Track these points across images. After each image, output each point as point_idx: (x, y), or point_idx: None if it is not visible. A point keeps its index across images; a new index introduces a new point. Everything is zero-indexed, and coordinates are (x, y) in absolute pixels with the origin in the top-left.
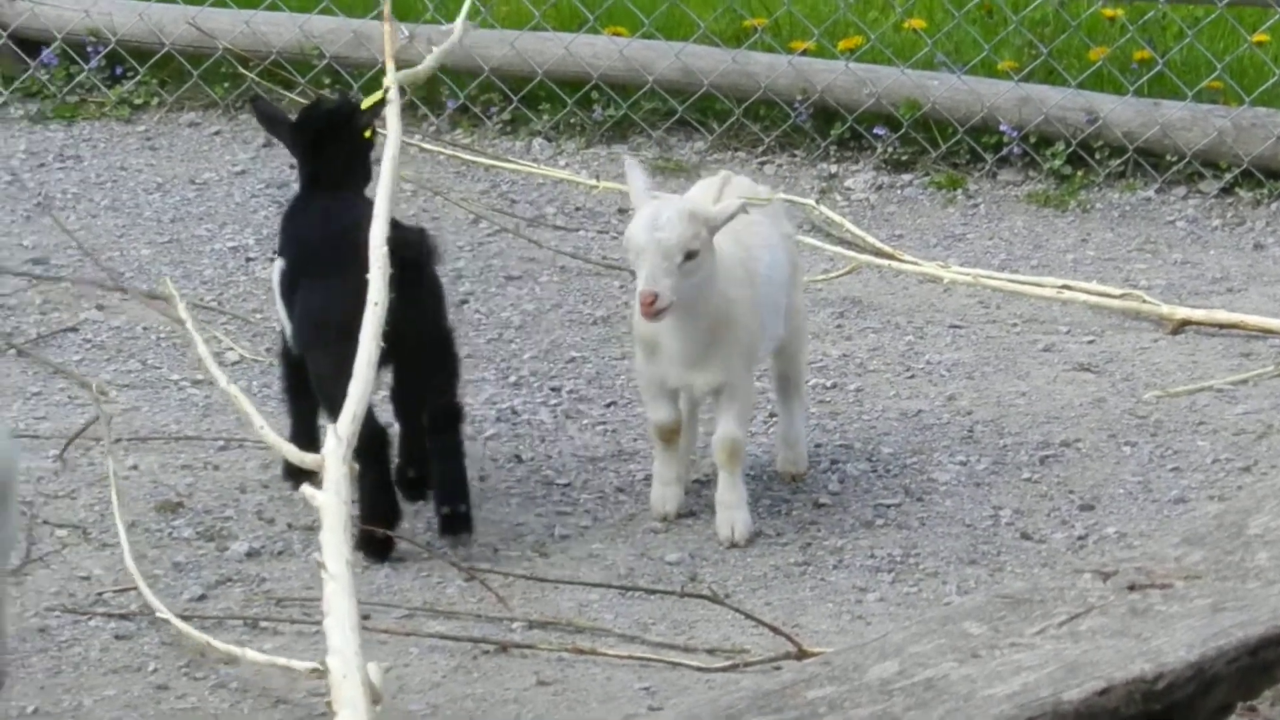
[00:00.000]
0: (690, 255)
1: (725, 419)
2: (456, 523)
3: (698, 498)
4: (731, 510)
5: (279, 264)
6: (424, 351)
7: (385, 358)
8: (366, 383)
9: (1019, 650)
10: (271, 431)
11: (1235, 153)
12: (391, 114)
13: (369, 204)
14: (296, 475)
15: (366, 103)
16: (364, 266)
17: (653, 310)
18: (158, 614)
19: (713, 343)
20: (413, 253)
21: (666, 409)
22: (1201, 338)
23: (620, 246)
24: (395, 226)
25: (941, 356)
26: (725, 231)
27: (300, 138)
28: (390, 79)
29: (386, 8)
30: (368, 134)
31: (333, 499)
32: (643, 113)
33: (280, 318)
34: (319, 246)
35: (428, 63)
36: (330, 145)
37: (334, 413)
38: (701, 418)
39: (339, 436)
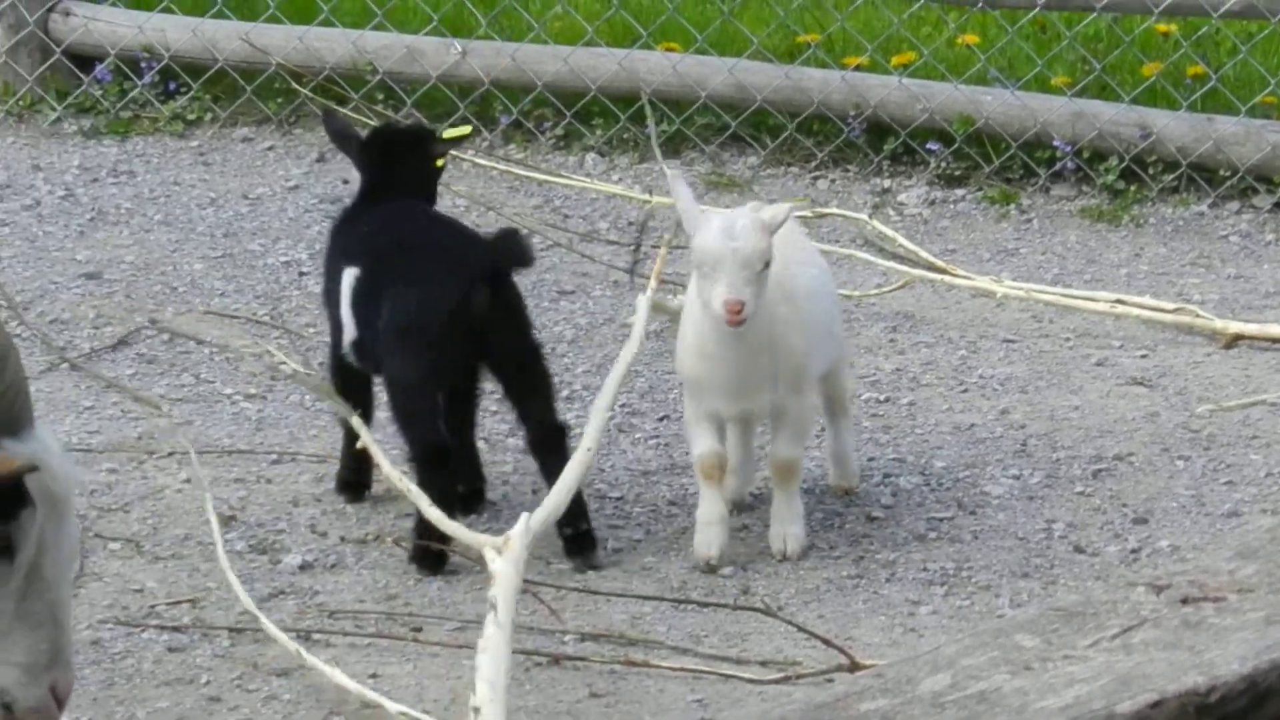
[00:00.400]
0: (767, 264)
1: (779, 440)
2: (581, 542)
3: (749, 511)
4: (785, 524)
5: (352, 272)
6: (517, 368)
7: (479, 370)
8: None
9: (1072, 663)
10: (446, 518)
11: None
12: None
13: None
14: (349, 489)
15: (449, 134)
16: (452, 274)
17: (739, 318)
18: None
19: (762, 365)
20: (520, 258)
21: (709, 439)
22: (1255, 352)
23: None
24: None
25: (994, 371)
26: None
27: (368, 153)
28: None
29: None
30: (440, 163)
31: (509, 569)
32: (696, 128)
33: (345, 327)
34: (405, 253)
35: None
36: (398, 164)
37: (403, 423)
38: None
39: (529, 526)
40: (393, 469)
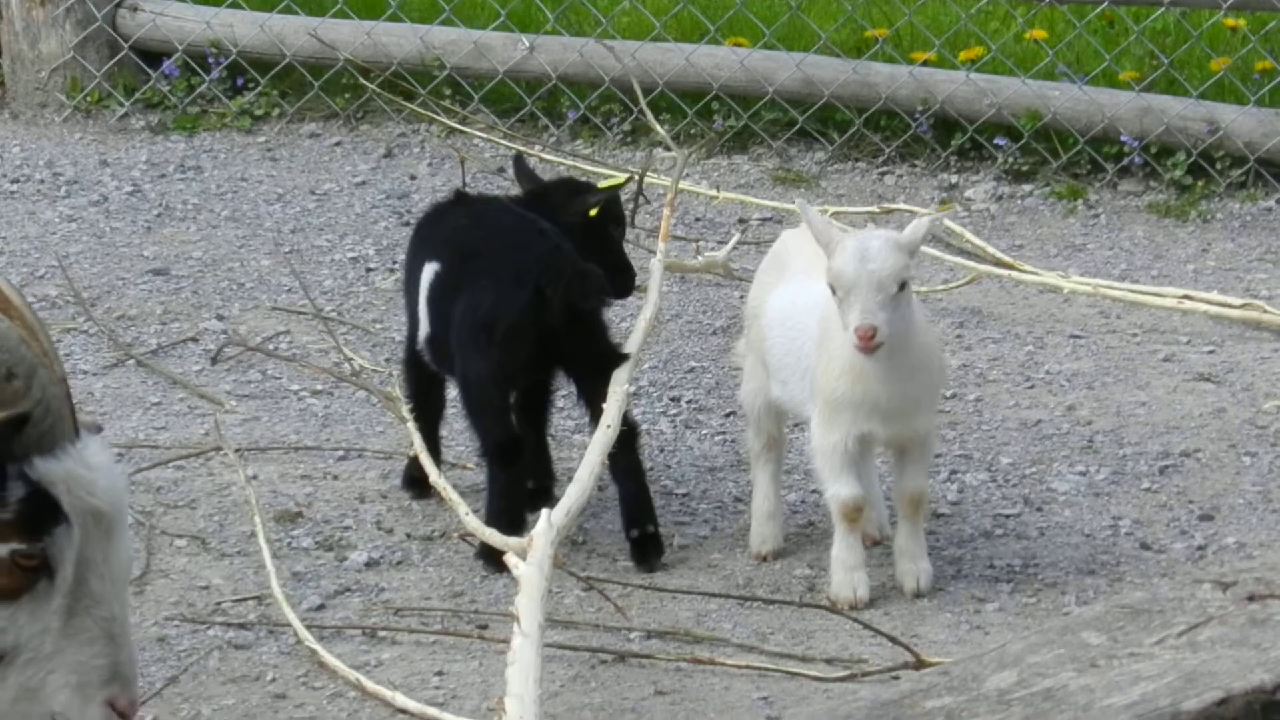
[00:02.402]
0: (903, 286)
1: (914, 470)
2: (646, 545)
3: (815, 509)
4: (916, 560)
5: (432, 267)
6: (592, 371)
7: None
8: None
9: (1138, 660)
10: (475, 519)
11: None
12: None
13: (528, 215)
14: (416, 485)
15: (604, 185)
16: (529, 274)
17: (871, 345)
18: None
19: (919, 384)
20: (592, 300)
21: (852, 483)
22: None
23: (737, 257)
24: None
25: (1061, 366)
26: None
27: (531, 199)
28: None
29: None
30: (592, 212)
31: (535, 573)
32: (763, 123)
33: (421, 322)
34: (485, 251)
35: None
36: (556, 210)
37: (474, 419)
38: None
39: (551, 523)
40: (439, 475)
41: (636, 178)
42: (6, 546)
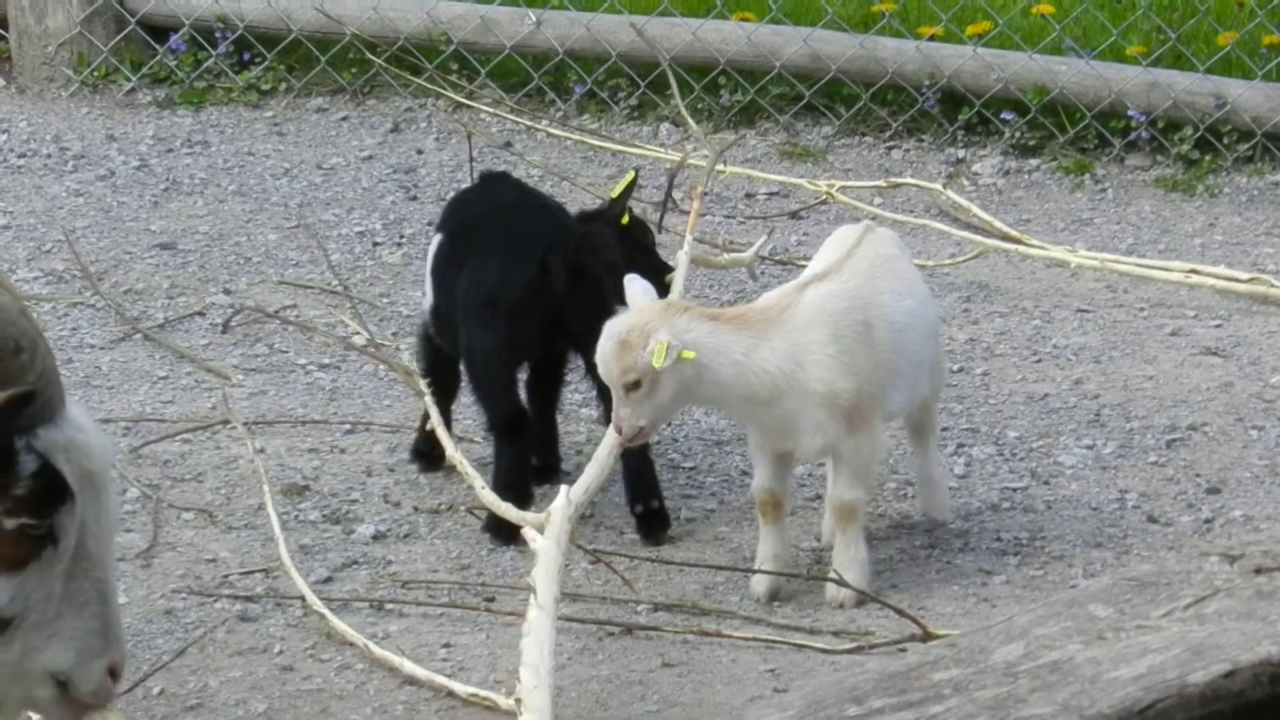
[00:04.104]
0: (636, 385)
1: (838, 481)
2: (652, 520)
3: (822, 481)
4: (842, 569)
5: (436, 239)
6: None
7: (556, 343)
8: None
9: (1145, 633)
10: (491, 493)
11: None
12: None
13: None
14: (423, 458)
15: (616, 190)
16: (532, 249)
17: (632, 441)
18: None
19: (786, 413)
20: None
21: (761, 475)
22: None
23: (744, 231)
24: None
25: (1068, 341)
26: (853, 278)
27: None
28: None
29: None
30: (624, 220)
31: (552, 547)
32: (770, 98)
33: (425, 294)
34: (489, 225)
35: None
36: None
37: (480, 393)
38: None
39: (570, 499)
40: (455, 449)
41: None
42: (16, 520)
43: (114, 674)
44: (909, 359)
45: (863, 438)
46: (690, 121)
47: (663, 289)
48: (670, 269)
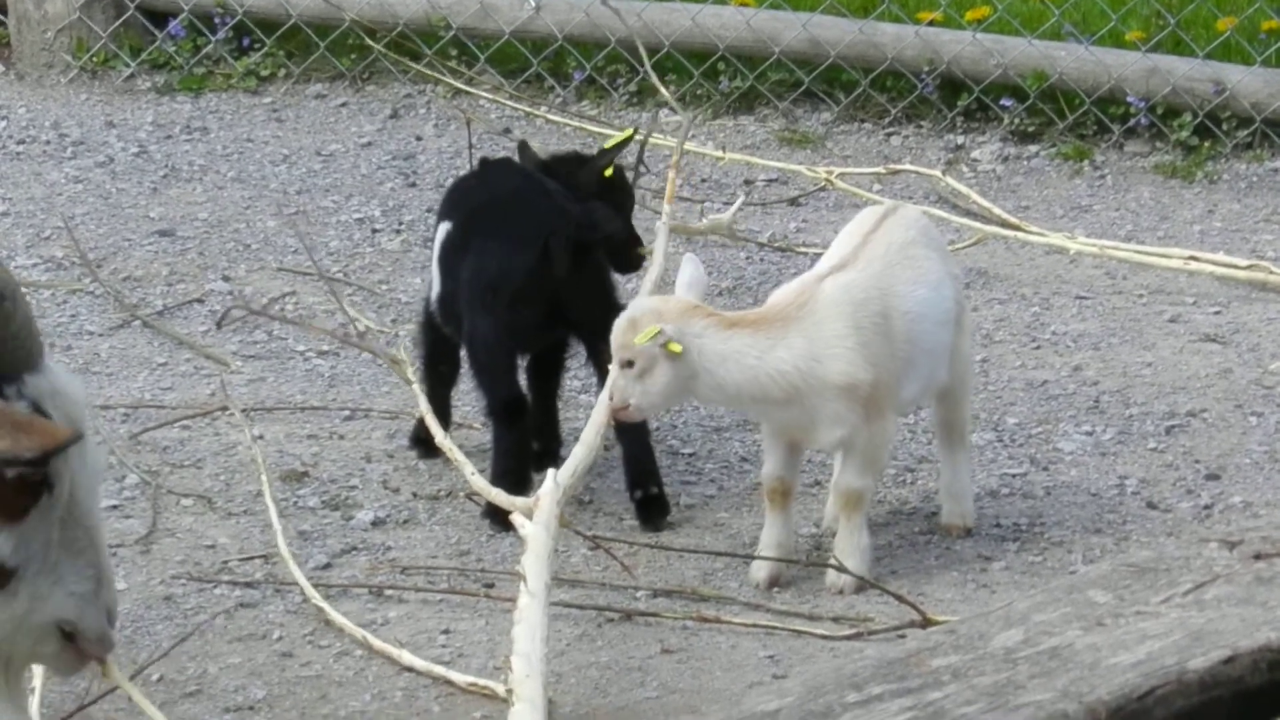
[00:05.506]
0: (630, 364)
1: (845, 469)
2: (651, 506)
3: (823, 467)
4: (843, 557)
5: (444, 227)
6: (599, 333)
7: (556, 327)
8: (595, 434)
9: (1144, 619)
10: (481, 479)
11: None
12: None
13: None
14: (422, 445)
15: (609, 143)
16: (534, 235)
17: (618, 413)
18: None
19: (804, 408)
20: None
21: (772, 463)
22: None
23: (742, 218)
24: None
25: (1067, 327)
26: (870, 266)
27: (549, 175)
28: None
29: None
30: (608, 172)
31: (541, 532)
32: (769, 84)
33: (432, 281)
34: (493, 211)
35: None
36: (571, 180)
37: (480, 378)
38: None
39: (558, 483)
40: (444, 436)
41: (640, 133)
42: (15, 469)
43: (109, 619)
44: (922, 348)
45: (876, 428)
46: (662, 88)
47: (635, 259)
48: (639, 240)
